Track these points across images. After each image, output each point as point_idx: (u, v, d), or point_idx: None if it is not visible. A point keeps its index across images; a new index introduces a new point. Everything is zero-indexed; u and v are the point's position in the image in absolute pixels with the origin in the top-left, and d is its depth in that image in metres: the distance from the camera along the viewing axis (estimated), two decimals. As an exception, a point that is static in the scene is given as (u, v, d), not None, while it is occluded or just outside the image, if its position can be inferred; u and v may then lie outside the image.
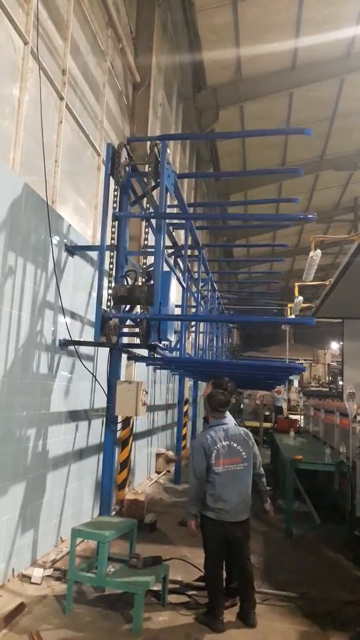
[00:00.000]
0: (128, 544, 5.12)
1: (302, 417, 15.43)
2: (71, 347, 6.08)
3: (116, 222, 5.90)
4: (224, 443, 4.49)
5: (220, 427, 4.62)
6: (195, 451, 4.55)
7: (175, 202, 7.82)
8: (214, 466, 4.43)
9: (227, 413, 4.80)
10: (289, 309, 17.38)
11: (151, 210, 6.18)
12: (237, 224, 22.16)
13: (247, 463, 4.53)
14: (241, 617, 4.45)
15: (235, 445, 4.52)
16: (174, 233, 8.48)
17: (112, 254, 5.84)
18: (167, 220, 6.62)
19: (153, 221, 6.06)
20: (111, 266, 5.80)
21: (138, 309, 5.86)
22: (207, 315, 10.33)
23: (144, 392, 5.72)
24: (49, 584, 4.87)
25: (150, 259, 5.97)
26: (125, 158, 5.95)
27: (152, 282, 5.69)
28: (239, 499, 4.44)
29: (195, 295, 10.08)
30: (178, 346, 7.88)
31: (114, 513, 7.01)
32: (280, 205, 20.72)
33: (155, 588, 4.72)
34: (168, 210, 6.74)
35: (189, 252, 8.54)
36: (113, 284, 5.76)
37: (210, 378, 5.96)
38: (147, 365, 8.93)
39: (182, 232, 8.55)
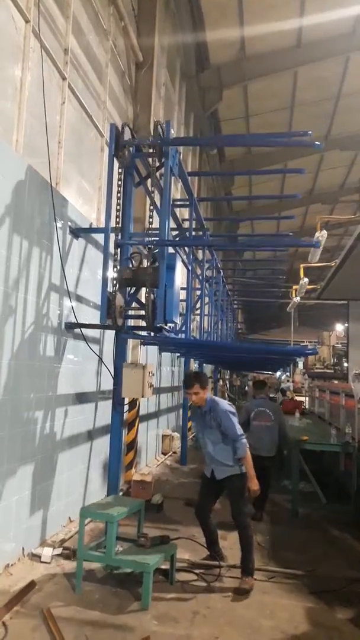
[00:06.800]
0: (136, 524, 5.18)
1: (307, 398, 15.46)
2: (77, 330, 6.10)
3: (120, 205, 5.87)
4: (260, 409, 7.35)
5: (261, 399, 7.64)
6: (244, 410, 7.54)
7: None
8: (252, 421, 7.27)
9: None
10: (294, 291, 17.32)
11: (157, 198, 6.13)
12: (242, 204, 21.99)
13: (274, 422, 7.27)
14: None
15: (268, 411, 7.35)
16: (178, 216, 8.43)
17: (116, 236, 5.81)
18: (171, 202, 6.58)
19: (158, 202, 6.02)
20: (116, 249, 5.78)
21: (143, 291, 5.86)
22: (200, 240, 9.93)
23: (151, 374, 5.75)
24: (58, 563, 4.95)
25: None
26: (129, 139, 5.89)
27: (157, 264, 5.68)
28: (269, 442, 7.13)
29: (200, 277, 10.06)
30: (183, 329, 7.88)
31: (121, 494, 7.08)
32: (285, 184, 20.60)
33: (163, 567, 4.79)
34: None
35: (193, 234, 8.49)
36: (118, 267, 5.75)
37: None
38: (144, 345, 8.89)
39: (186, 213, 8.51)
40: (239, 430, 4.95)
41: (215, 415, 4.96)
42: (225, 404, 5.07)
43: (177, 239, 8.13)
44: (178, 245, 6.20)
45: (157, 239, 5.81)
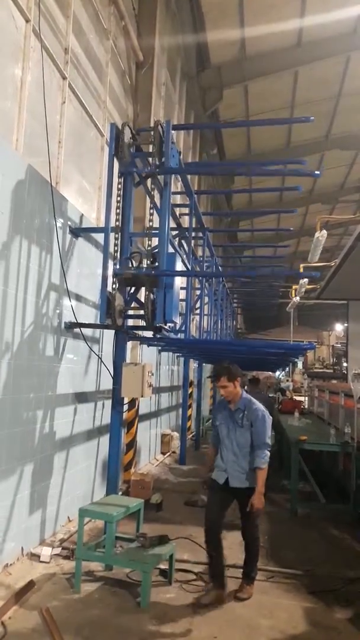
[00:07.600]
0: (135, 523, 5.18)
1: (307, 398, 15.46)
2: (77, 330, 6.10)
3: (120, 205, 5.87)
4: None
5: (255, 394, 7.02)
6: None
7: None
8: None
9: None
10: (293, 290, 17.33)
11: (156, 197, 6.13)
12: (242, 203, 21.97)
13: None
14: None
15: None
16: (178, 216, 8.43)
17: (116, 235, 5.82)
18: (171, 201, 6.57)
19: (157, 202, 6.02)
20: (116, 248, 5.78)
21: (143, 291, 5.86)
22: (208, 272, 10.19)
23: (150, 374, 5.75)
24: (57, 563, 4.95)
25: (155, 241, 5.95)
26: (129, 138, 5.89)
27: (157, 264, 5.68)
28: None
29: (200, 277, 10.06)
30: (183, 328, 7.89)
31: (120, 493, 7.08)
32: (285, 185, 20.55)
33: (162, 566, 4.80)
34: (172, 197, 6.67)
35: (192, 234, 8.49)
36: (118, 266, 5.75)
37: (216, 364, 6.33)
38: (148, 346, 8.88)
39: (186, 217, 8.50)
40: (270, 439, 4.66)
41: (250, 415, 4.60)
42: (262, 406, 4.74)
43: (177, 239, 8.13)
44: (178, 275, 6.06)
45: (158, 248, 5.80)
